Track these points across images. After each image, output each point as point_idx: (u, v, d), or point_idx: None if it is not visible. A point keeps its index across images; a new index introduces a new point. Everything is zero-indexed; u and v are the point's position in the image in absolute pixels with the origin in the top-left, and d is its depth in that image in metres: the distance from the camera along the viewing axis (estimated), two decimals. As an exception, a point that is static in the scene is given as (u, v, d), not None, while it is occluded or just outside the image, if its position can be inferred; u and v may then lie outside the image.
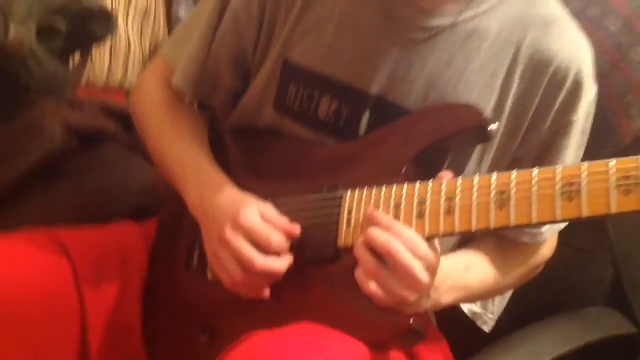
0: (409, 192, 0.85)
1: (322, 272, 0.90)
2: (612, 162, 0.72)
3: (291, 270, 0.90)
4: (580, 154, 0.99)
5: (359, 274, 0.83)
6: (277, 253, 0.89)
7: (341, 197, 0.91)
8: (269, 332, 0.81)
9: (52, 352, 0.93)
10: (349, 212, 0.89)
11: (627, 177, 0.71)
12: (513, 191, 0.78)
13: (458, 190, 0.82)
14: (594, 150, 0.97)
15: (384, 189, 0.87)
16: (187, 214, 1.00)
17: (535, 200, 0.77)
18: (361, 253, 0.83)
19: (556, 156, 0.95)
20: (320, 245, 0.90)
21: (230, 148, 1.08)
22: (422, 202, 0.84)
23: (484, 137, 0.89)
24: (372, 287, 0.81)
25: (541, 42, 0.93)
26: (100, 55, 1.88)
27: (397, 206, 0.85)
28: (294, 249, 0.91)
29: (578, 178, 0.74)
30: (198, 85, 1.05)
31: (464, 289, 0.95)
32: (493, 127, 0.88)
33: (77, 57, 1.57)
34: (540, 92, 0.93)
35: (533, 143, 0.96)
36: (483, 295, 1.05)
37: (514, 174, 0.79)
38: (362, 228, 0.87)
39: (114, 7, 1.86)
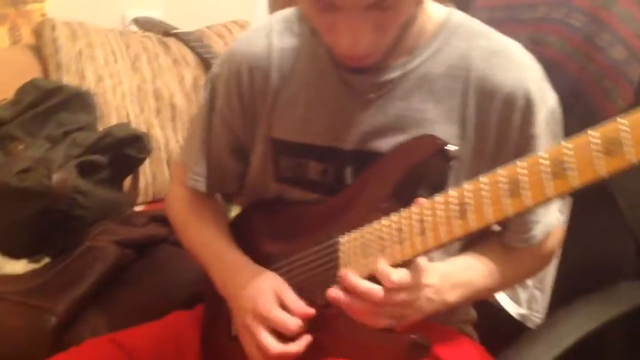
0: (389, 224, 0.95)
1: (334, 315, 1.00)
2: (593, 132, 0.78)
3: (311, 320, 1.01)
4: None
5: (357, 316, 0.95)
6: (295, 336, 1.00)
7: (337, 243, 1.01)
8: None
9: None
10: (345, 255, 1.00)
11: (612, 142, 0.76)
12: (470, 200, 0.87)
13: (426, 212, 0.91)
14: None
15: (368, 226, 0.98)
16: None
17: (489, 204, 0.85)
18: (355, 305, 0.94)
19: None
20: (325, 292, 1.01)
21: (248, 222, 1.20)
22: (399, 230, 0.94)
23: (446, 158, 0.98)
24: (374, 321, 0.94)
25: (486, 74, 1.02)
26: (160, 170, 2.07)
27: (382, 238, 0.96)
28: (308, 300, 1.02)
29: (517, 175, 0.83)
30: (209, 179, 1.19)
31: (468, 285, 1.02)
32: (451, 147, 0.97)
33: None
34: (496, 117, 1.02)
35: (505, 159, 1.03)
36: (491, 290, 1.11)
37: (466, 185, 0.88)
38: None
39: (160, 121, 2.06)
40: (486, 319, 1.26)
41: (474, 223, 0.87)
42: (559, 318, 1.09)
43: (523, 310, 1.37)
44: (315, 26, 0.98)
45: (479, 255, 1.07)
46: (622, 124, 0.76)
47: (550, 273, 1.35)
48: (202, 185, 1.20)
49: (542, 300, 1.34)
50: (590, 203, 1.28)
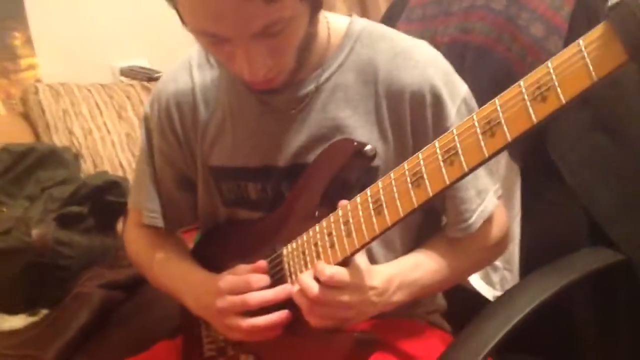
0: (320, 229, 1.01)
1: (287, 324, 1.05)
2: (522, 82, 0.78)
3: None
4: None
5: (306, 315, 0.99)
6: (263, 286, 1.05)
7: (281, 255, 1.07)
8: None
9: None
10: (289, 265, 1.05)
11: (539, 87, 0.76)
12: (383, 196, 0.92)
13: (350, 213, 0.96)
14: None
15: (305, 235, 1.03)
16: (194, 319, 1.19)
17: (397, 198, 0.90)
18: (296, 299, 0.99)
19: None
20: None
21: (207, 247, 1.26)
22: (330, 234, 0.99)
23: (367, 158, 1.02)
24: (317, 321, 0.98)
25: (392, 75, 1.06)
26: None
27: (316, 244, 1.01)
28: (265, 312, 1.06)
29: (420, 165, 0.87)
30: (165, 216, 1.25)
31: (414, 284, 1.06)
32: (368, 147, 1.02)
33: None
34: (409, 116, 1.06)
35: None
36: (441, 285, 1.14)
37: (379, 181, 0.93)
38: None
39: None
40: (460, 306, 1.30)
41: (389, 218, 0.91)
42: (513, 292, 1.12)
43: (498, 292, 1.40)
44: (216, 58, 1.03)
45: (426, 252, 1.11)
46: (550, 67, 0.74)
47: (515, 253, 1.38)
48: (159, 222, 1.25)
49: (512, 280, 1.38)
50: (539, 179, 1.32)
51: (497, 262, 1.39)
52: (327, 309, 0.97)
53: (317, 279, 0.97)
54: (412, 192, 0.88)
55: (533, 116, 0.77)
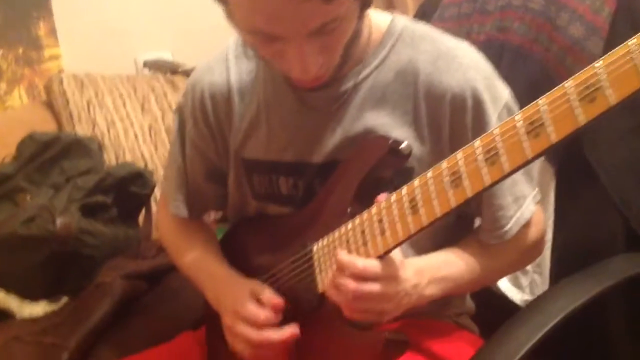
0: (353, 227, 0.99)
1: (315, 320, 1.04)
2: (569, 82, 0.76)
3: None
4: None
5: (344, 310, 0.96)
6: (269, 325, 1.05)
7: (311, 251, 1.05)
8: None
9: None
10: (319, 262, 1.04)
11: (588, 87, 0.74)
12: (419, 195, 0.90)
13: (383, 212, 0.94)
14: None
15: (336, 232, 1.01)
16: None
17: (435, 196, 0.88)
18: (332, 296, 0.96)
19: None
20: (307, 298, 1.05)
21: (235, 239, 1.25)
22: (363, 232, 0.97)
23: (402, 156, 1.00)
24: (357, 315, 0.96)
25: (433, 78, 1.04)
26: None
27: (347, 241, 0.99)
28: (291, 311, 1.06)
29: (457, 166, 0.85)
30: (189, 205, 1.25)
31: (446, 280, 1.04)
32: (404, 145, 1.00)
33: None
34: (448, 119, 1.04)
35: None
36: (473, 284, 1.12)
37: (416, 180, 0.91)
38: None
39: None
40: (488, 309, 1.28)
41: (424, 218, 0.89)
42: (547, 296, 1.10)
43: (527, 296, 1.38)
44: (263, 56, 1.00)
45: (457, 250, 1.09)
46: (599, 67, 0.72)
47: (547, 256, 1.35)
48: (183, 211, 1.25)
49: (542, 284, 1.36)
50: (574, 183, 1.30)
51: (527, 266, 1.37)
52: (365, 303, 0.94)
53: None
54: (450, 192, 0.86)
55: (580, 117, 0.74)
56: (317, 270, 1.04)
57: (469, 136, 1.03)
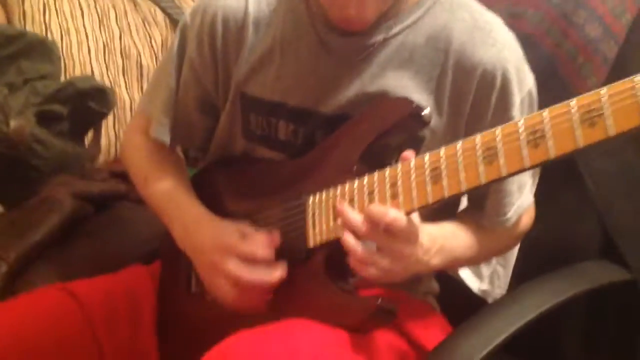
0: (359, 186, 0.93)
1: (297, 273, 0.99)
2: (573, 102, 0.76)
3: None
4: None
5: (354, 263, 0.90)
6: (265, 264, 0.98)
7: (304, 204, 0.99)
8: (243, 333, 0.90)
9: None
10: (313, 216, 0.98)
11: (590, 111, 0.74)
12: (443, 165, 0.86)
13: (399, 176, 0.90)
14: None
15: (339, 188, 0.96)
16: (181, 249, 1.10)
17: (462, 170, 0.84)
18: (350, 245, 0.89)
19: None
20: (294, 249, 0.99)
21: (212, 179, 1.17)
22: (371, 193, 0.92)
23: (421, 122, 0.96)
24: (371, 271, 0.89)
25: (466, 48, 0.99)
26: (124, 129, 2.02)
27: (351, 200, 0.94)
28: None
29: (494, 141, 0.82)
30: (174, 131, 1.16)
31: (450, 253, 1.00)
32: (426, 111, 0.95)
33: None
34: (472, 94, 1.00)
35: None
36: (468, 261, 1.10)
37: (442, 150, 0.86)
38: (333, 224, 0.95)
39: (127, 80, 2.02)
40: (446, 292, 1.26)
41: (447, 190, 0.85)
42: (523, 291, 1.08)
43: (485, 286, 1.37)
44: None
45: (460, 225, 1.05)
46: (603, 95, 0.75)
47: (514, 250, 1.35)
48: (166, 137, 1.16)
49: (504, 276, 1.35)
50: (558, 182, 1.29)
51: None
52: (379, 257, 0.89)
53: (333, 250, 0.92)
54: (481, 168, 0.82)
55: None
56: (310, 224, 0.98)
57: (488, 116, 1.01)
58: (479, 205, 1.07)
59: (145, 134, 1.19)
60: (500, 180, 0.82)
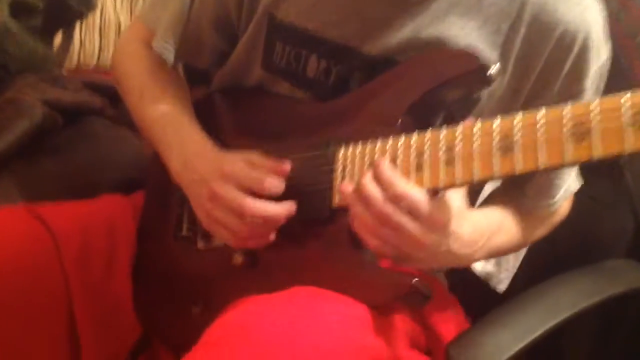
0: (406, 144, 0.79)
1: (317, 234, 0.85)
2: (626, 97, 0.65)
3: (285, 233, 0.85)
4: None
5: (359, 228, 0.77)
6: (273, 195, 0.84)
7: (334, 154, 0.85)
8: (261, 297, 0.76)
9: (38, 327, 0.88)
10: (343, 170, 0.83)
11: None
12: (518, 136, 0.72)
13: (458, 140, 0.75)
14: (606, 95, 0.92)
15: (379, 143, 0.81)
16: (174, 183, 0.94)
17: (543, 144, 0.70)
18: (358, 210, 0.76)
19: None
20: (314, 206, 0.85)
21: (218, 109, 1.03)
22: (420, 155, 0.77)
23: (484, 81, 0.81)
24: (374, 242, 0.76)
25: (547, 2, 0.85)
26: (91, 36, 1.84)
27: (394, 160, 0.79)
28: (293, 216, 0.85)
29: (588, 117, 0.68)
30: (180, 47, 1.00)
31: (496, 247, 0.89)
32: (493, 70, 0.81)
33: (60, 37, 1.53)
34: (545, 56, 0.86)
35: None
36: (506, 252, 1.00)
37: (518, 117, 0.72)
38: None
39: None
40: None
41: (519, 164, 0.71)
42: (553, 287, 0.97)
43: (490, 267, 1.25)
44: None
45: (508, 214, 0.93)
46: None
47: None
48: (170, 55, 1.01)
49: (514, 259, 1.23)
50: (592, 169, 1.18)
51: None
52: (389, 234, 0.74)
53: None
54: (567, 145, 0.69)
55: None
56: (338, 180, 0.83)
57: (557, 83, 0.88)
58: (518, 186, 0.95)
59: (146, 44, 1.02)
60: (588, 162, 0.69)
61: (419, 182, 0.76)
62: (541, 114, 0.71)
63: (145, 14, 1.07)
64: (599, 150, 0.67)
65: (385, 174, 0.75)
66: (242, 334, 0.71)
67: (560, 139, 0.69)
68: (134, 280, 0.97)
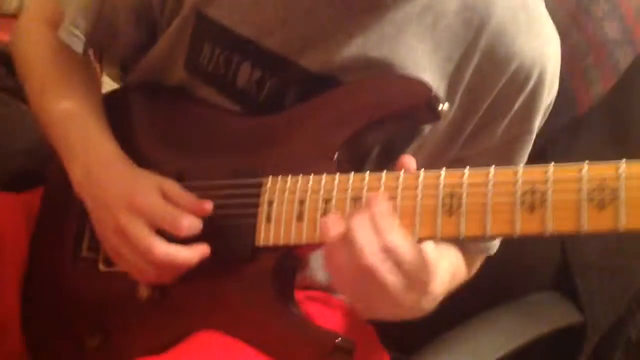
0: (341, 185, 0.71)
1: (237, 273, 0.76)
2: (586, 169, 0.59)
3: (201, 269, 0.76)
4: None
5: (336, 276, 0.66)
6: (187, 237, 0.75)
7: (261, 185, 0.76)
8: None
9: None
10: (270, 204, 0.74)
11: (603, 189, 0.58)
12: (464, 194, 0.65)
13: (399, 189, 0.68)
14: (550, 118, 0.86)
15: (311, 179, 0.72)
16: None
17: (490, 209, 0.64)
18: (341, 258, 0.64)
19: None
20: (236, 243, 0.76)
21: (132, 106, 0.92)
22: (356, 199, 0.70)
23: (433, 116, 0.74)
24: (349, 292, 0.68)
25: (506, 31, 0.78)
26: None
27: (327, 201, 0.71)
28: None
29: (543, 185, 0.62)
30: (92, 35, 0.88)
31: (446, 293, 0.79)
32: (444, 107, 0.74)
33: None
34: (496, 90, 0.80)
35: (482, 146, 0.83)
36: None
37: (466, 173, 0.65)
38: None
39: None
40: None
41: (463, 228, 0.63)
42: (475, 329, 0.92)
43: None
44: None
45: (459, 260, 0.88)
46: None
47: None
48: (78, 45, 0.88)
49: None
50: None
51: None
52: (370, 288, 0.63)
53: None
54: (519, 215, 0.62)
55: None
56: (263, 215, 0.74)
57: (505, 120, 0.82)
58: None
59: (53, 27, 0.90)
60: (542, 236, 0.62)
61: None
62: (491, 172, 0.64)
63: None
64: (551, 225, 0.61)
65: (384, 220, 0.63)
66: None
67: (511, 204, 0.63)
68: (23, 300, 0.86)
